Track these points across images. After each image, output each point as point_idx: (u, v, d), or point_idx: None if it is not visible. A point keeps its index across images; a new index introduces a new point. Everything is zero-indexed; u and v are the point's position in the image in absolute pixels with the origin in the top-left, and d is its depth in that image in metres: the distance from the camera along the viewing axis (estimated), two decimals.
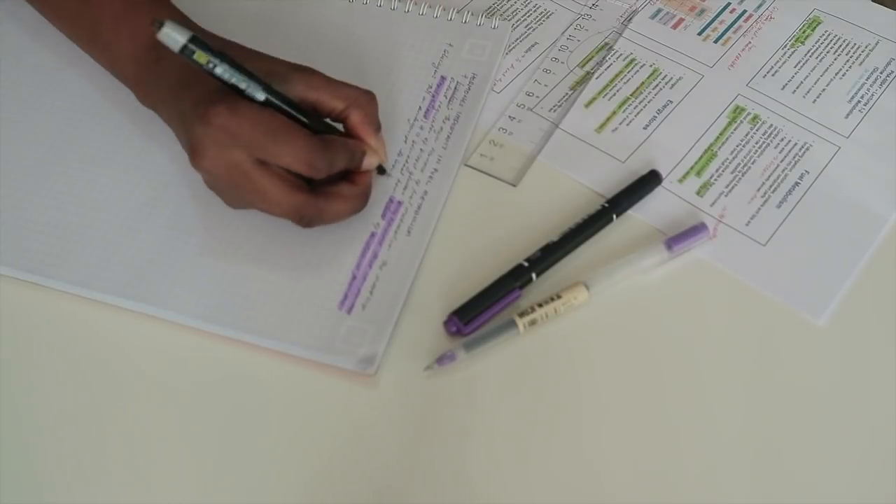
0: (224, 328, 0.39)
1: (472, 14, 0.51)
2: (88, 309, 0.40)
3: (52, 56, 0.49)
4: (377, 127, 0.41)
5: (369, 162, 0.41)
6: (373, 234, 0.42)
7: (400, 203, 0.43)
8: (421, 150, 0.45)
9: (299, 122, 0.38)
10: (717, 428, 0.37)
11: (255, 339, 0.39)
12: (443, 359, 0.38)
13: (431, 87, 0.48)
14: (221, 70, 0.36)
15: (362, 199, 0.41)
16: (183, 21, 0.43)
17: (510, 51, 0.51)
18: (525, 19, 0.53)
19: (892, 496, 0.35)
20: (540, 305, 0.39)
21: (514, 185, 0.44)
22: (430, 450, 0.36)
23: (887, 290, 0.41)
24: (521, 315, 0.39)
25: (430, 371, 0.38)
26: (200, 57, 0.36)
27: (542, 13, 0.53)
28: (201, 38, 0.36)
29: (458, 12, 0.51)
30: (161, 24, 0.35)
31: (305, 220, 0.39)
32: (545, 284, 0.40)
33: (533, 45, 0.51)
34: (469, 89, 0.48)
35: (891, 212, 0.43)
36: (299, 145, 0.37)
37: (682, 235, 0.41)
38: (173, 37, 0.35)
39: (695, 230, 0.41)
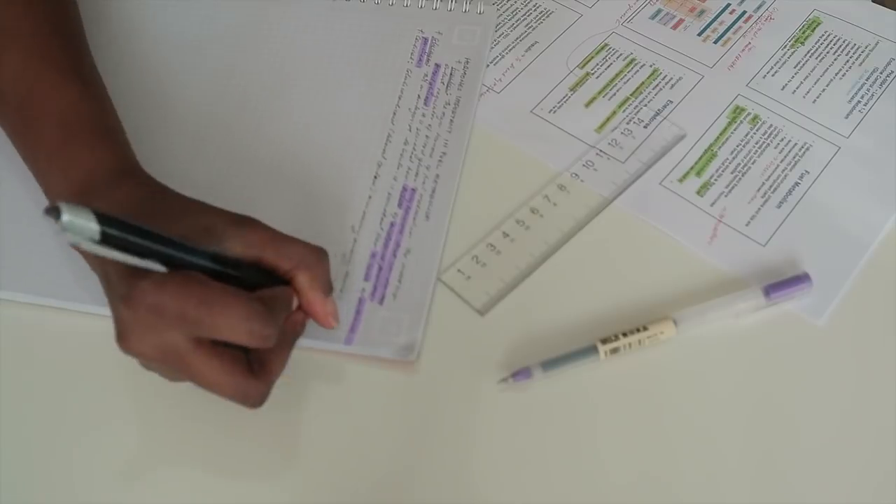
0: None
1: (457, 1, 0.52)
2: (111, 326, 0.40)
3: None
4: (328, 289, 0.37)
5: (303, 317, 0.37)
6: (392, 224, 0.42)
7: (414, 190, 0.44)
8: (426, 136, 0.46)
9: (232, 278, 0.34)
10: (714, 427, 0.37)
11: None
12: (518, 374, 0.37)
13: (427, 76, 0.49)
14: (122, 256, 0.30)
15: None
16: (120, 159, 0.38)
17: (510, 50, 0.51)
18: (525, 18, 0.53)
19: (893, 497, 0.35)
20: (625, 335, 0.38)
21: (481, 315, 0.40)
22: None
23: (887, 290, 0.41)
24: (604, 342, 0.38)
25: (504, 385, 0.38)
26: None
27: (541, 12, 0.53)
28: (108, 214, 0.30)
29: (441, 1, 0.52)
30: (58, 212, 0.28)
31: (250, 403, 0.34)
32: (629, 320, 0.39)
33: (533, 45, 0.51)
34: (465, 74, 0.49)
35: (891, 212, 0.43)
36: (238, 315, 0.32)
37: (781, 284, 0.40)
38: (79, 227, 0.28)
39: (797, 280, 0.40)
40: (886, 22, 0.52)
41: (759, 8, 0.53)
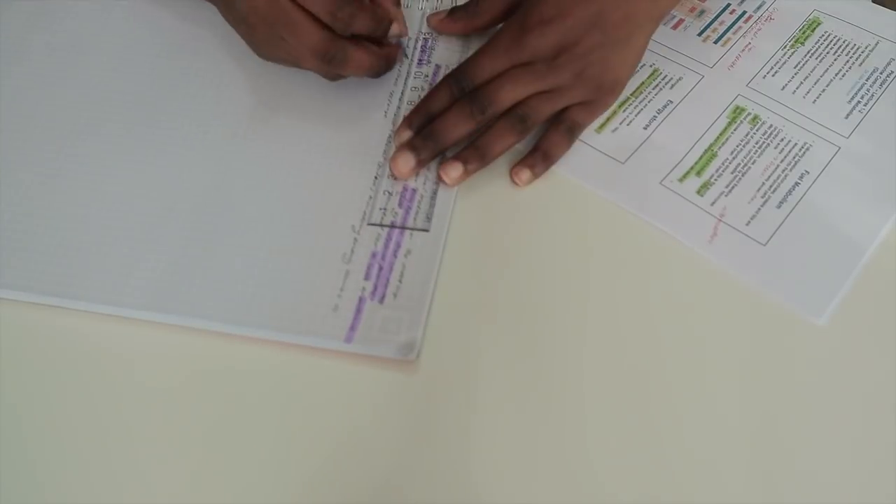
0: (257, 330, 0.39)
1: (457, 3, 0.52)
2: (112, 326, 0.40)
3: (45, 67, 0.50)
4: None
5: (393, 30, 0.44)
6: (393, 224, 0.42)
7: (414, 191, 0.44)
8: None
9: None
10: (715, 427, 0.37)
11: (289, 338, 0.39)
12: None
13: (428, 76, 0.49)
14: None
15: (385, 61, 0.45)
16: None
17: None
18: None
19: (893, 496, 0.35)
20: None
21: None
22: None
23: (887, 289, 0.41)
24: None
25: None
26: None
27: None
28: None
29: (441, 2, 0.52)
30: None
31: (329, 59, 0.42)
32: None
33: None
34: None
35: (891, 212, 0.43)
36: None
37: None
38: None
39: None
40: (886, 22, 0.52)
41: (759, 8, 0.53)
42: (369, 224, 0.42)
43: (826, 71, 0.49)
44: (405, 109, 0.47)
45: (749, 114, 0.47)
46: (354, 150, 0.46)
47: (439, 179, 0.43)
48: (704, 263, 0.42)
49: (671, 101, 0.48)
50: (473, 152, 0.43)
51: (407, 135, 0.44)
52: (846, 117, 0.47)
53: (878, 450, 0.36)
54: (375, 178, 0.44)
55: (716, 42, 0.51)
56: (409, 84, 0.48)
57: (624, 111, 0.48)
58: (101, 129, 0.47)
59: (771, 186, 0.44)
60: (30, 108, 0.48)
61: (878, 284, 0.41)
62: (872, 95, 0.48)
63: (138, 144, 0.46)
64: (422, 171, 0.44)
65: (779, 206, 0.43)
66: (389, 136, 0.46)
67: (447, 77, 0.44)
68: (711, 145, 0.46)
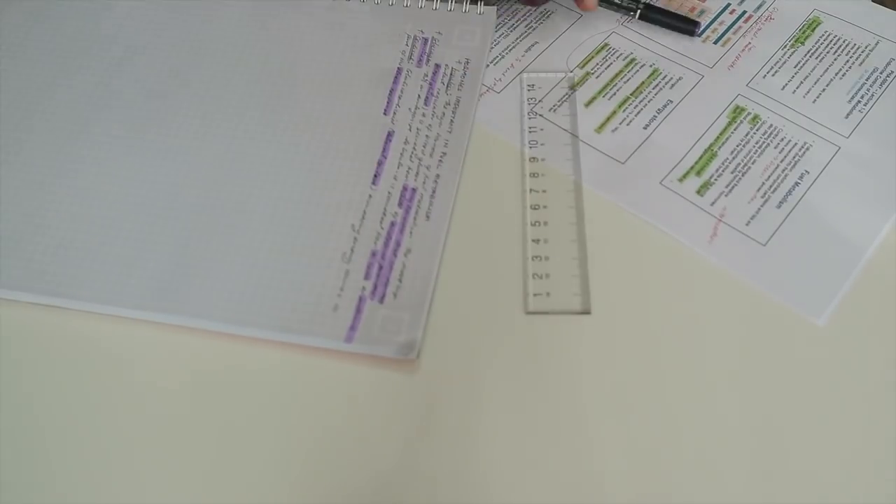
0: (257, 330, 0.39)
1: (457, 2, 0.52)
2: (112, 326, 0.40)
3: (45, 66, 0.50)
4: None
5: None
6: (392, 224, 0.42)
7: (414, 190, 0.44)
8: (426, 136, 0.46)
9: None
10: (715, 427, 0.37)
11: (289, 338, 0.39)
12: None
13: (427, 76, 0.49)
14: None
15: None
16: None
17: (510, 50, 0.51)
18: (525, 19, 0.53)
19: (892, 496, 0.35)
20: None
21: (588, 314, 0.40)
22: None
23: (887, 290, 0.41)
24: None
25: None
26: None
27: (542, 13, 0.53)
28: None
29: (442, 2, 0.52)
30: None
31: None
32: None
33: (533, 45, 0.51)
34: (465, 74, 0.49)
35: (891, 211, 0.43)
36: None
37: None
38: None
39: None
40: (886, 22, 0.52)
41: (759, 8, 0.53)
42: (369, 223, 0.43)
43: (826, 71, 0.49)
44: (404, 109, 0.47)
45: (749, 114, 0.47)
46: (355, 148, 0.46)
47: (578, 4, 0.50)
48: (704, 263, 0.42)
49: (671, 101, 0.48)
50: None
51: None
52: (846, 117, 0.47)
53: (878, 450, 0.36)
54: (375, 176, 0.44)
55: (716, 42, 0.51)
56: (408, 84, 0.48)
57: (624, 111, 0.48)
58: (102, 128, 0.47)
59: (771, 186, 0.44)
60: (30, 107, 0.48)
61: (878, 284, 0.41)
62: (872, 95, 0.48)
63: (138, 144, 0.46)
64: (422, 169, 0.45)
65: (779, 206, 0.43)
66: (389, 136, 0.46)
67: None
68: (711, 145, 0.46)
